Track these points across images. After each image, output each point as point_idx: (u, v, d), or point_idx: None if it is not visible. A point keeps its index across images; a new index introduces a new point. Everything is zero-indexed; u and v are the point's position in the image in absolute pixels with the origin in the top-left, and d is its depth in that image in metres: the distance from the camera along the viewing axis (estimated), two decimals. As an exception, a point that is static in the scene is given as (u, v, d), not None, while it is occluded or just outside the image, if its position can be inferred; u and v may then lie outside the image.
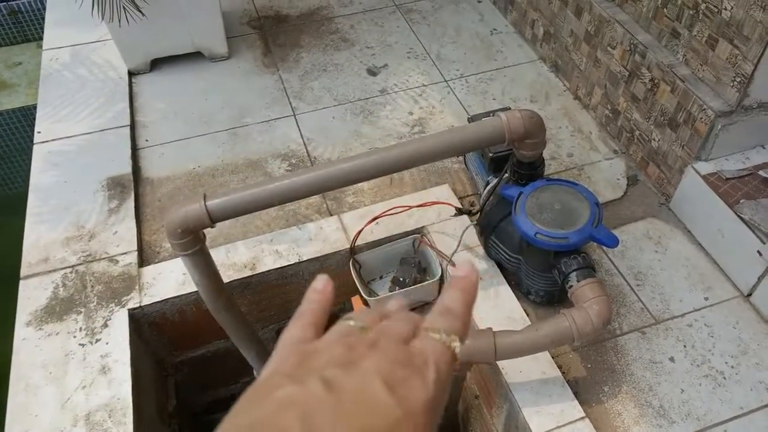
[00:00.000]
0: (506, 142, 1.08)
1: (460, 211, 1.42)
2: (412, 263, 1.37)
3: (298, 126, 1.72)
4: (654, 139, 1.48)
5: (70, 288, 1.30)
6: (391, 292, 1.35)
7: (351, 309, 1.41)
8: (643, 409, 1.13)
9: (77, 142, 1.63)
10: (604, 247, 1.37)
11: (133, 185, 1.52)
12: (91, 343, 1.21)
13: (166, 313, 1.31)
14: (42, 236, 1.40)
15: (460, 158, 1.57)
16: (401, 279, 1.34)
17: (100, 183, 1.52)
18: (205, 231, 1.01)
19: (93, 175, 1.54)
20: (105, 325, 1.23)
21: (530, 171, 1.20)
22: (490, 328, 1.05)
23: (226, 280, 1.23)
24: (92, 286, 1.30)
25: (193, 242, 0.98)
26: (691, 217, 1.41)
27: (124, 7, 1.56)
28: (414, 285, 1.32)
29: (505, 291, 1.28)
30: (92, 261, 1.35)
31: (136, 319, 1.28)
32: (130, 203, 1.47)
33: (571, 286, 1.08)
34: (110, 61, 1.87)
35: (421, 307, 1.38)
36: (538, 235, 1.10)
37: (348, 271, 1.34)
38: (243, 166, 1.60)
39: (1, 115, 2.61)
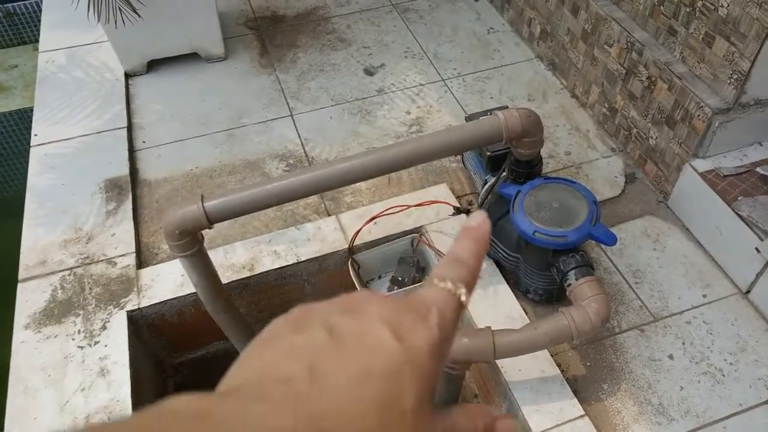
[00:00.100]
0: (504, 140, 1.08)
1: (458, 210, 1.42)
2: (411, 263, 1.37)
3: (296, 126, 1.71)
4: (651, 137, 1.48)
5: (68, 290, 1.30)
6: (390, 291, 1.35)
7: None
8: (643, 406, 1.13)
9: (74, 144, 1.63)
10: (603, 246, 1.37)
11: (131, 187, 1.52)
12: (89, 345, 1.21)
13: (165, 314, 1.30)
14: (40, 239, 1.40)
15: (458, 157, 1.57)
16: (400, 278, 1.34)
17: (98, 185, 1.52)
18: (203, 232, 1.01)
19: (90, 177, 1.54)
20: (104, 328, 1.23)
21: (528, 169, 1.20)
22: (489, 327, 1.05)
23: (224, 281, 1.23)
24: (90, 289, 1.30)
25: (191, 243, 0.98)
26: (689, 215, 1.41)
27: (120, 9, 1.56)
28: (413, 284, 1.32)
29: (504, 290, 1.28)
30: (90, 263, 1.35)
31: (135, 320, 1.28)
32: (128, 205, 1.47)
33: (570, 285, 1.08)
34: (107, 63, 1.86)
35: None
36: (536, 234, 1.11)
37: (346, 271, 1.34)
38: (240, 167, 1.60)
39: (-2, 118, 2.61)
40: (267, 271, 1.33)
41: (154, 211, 1.50)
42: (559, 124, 1.70)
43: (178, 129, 1.71)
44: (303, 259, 1.34)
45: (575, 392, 1.12)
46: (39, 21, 2.10)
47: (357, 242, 1.36)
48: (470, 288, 0.31)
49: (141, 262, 1.37)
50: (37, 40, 2.10)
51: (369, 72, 1.89)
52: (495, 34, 2.02)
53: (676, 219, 1.44)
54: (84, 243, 1.39)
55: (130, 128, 1.70)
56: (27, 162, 1.58)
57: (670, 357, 1.20)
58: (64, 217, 1.44)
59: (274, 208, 1.35)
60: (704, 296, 1.29)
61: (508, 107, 1.18)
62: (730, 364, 1.19)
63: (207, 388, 0.25)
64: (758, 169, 1.32)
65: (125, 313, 1.25)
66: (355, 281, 1.32)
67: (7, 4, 2.72)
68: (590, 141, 1.64)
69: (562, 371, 1.15)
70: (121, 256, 1.36)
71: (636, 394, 1.15)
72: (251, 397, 0.24)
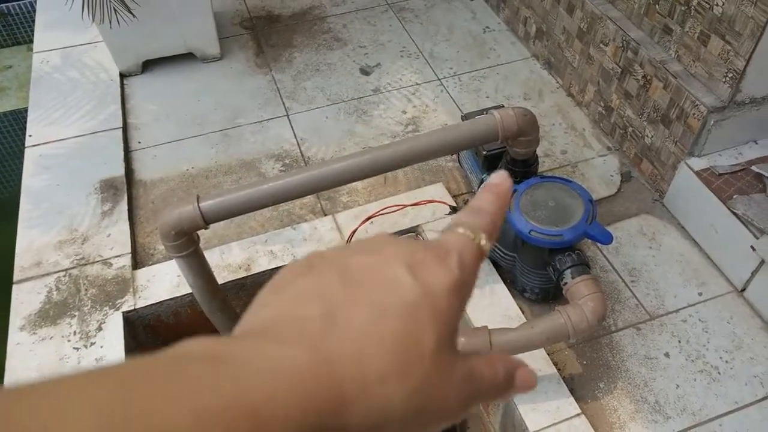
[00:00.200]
0: (500, 139, 1.08)
1: (454, 210, 1.42)
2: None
3: (292, 126, 1.71)
4: (647, 136, 1.48)
5: (63, 292, 1.29)
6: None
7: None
8: (639, 404, 1.14)
9: (69, 145, 1.62)
10: (599, 244, 1.37)
11: (126, 187, 1.52)
12: (85, 346, 1.20)
13: (161, 315, 1.30)
14: (35, 240, 1.39)
15: (454, 156, 1.57)
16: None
17: (93, 186, 1.51)
18: (199, 232, 1.00)
19: (85, 178, 1.53)
20: (99, 329, 1.23)
21: (524, 168, 1.20)
22: (486, 326, 1.05)
23: (220, 281, 1.22)
24: (86, 290, 1.29)
25: (187, 244, 0.98)
26: (684, 213, 1.42)
27: (114, 9, 1.55)
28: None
29: (501, 289, 1.28)
30: (86, 264, 1.34)
31: (131, 321, 1.27)
32: (123, 206, 1.47)
33: (566, 283, 1.08)
34: (101, 63, 1.86)
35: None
36: (532, 233, 1.11)
37: (343, 271, 1.34)
38: (236, 167, 1.60)
39: (-8, 119, 2.60)
40: (263, 272, 1.33)
41: (150, 212, 1.49)
42: (555, 123, 1.70)
43: (173, 129, 1.71)
44: (299, 259, 1.34)
45: (572, 391, 1.12)
46: (33, 21, 2.09)
47: (353, 242, 1.36)
48: (491, 237, 0.30)
49: (137, 263, 1.37)
50: (31, 41, 2.09)
51: (365, 71, 1.89)
52: (491, 33, 2.02)
53: (671, 217, 1.44)
54: (79, 244, 1.38)
55: (125, 129, 1.69)
56: (22, 163, 1.57)
57: (666, 355, 1.20)
58: (59, 218, 1.44)
59: (270, 208, 1.35)
60: (700, 294, 1.30)
61: (504, 106, 1.18)
62: (726, 362, 1.19)
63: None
64: (753, 168, 1.33)
65: (121, 314, 1.24)
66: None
67: (1, 5, 2.71)
68: (586, 140, 1.65)
69: (558, 370, 1.15)
70: (116, 256, 1.35)
71: (632, 393, 1.15)
72: (266, 338, 0.23)
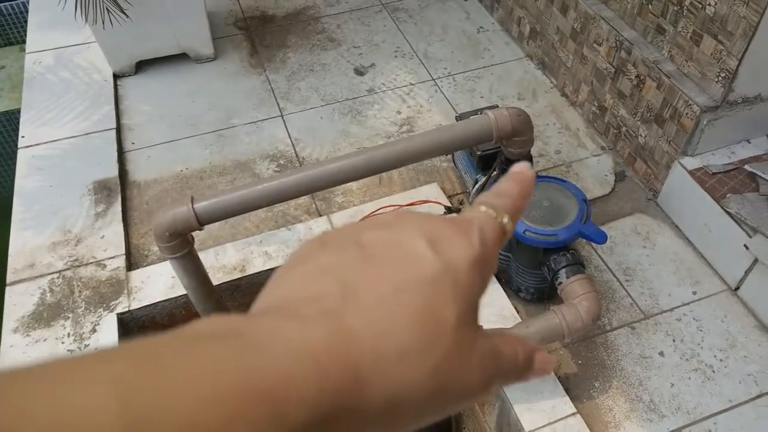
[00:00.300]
0: (494, 140, 1.08)
1: (449, 210, 1.42)
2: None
3: (286, 126, 1.71)
4: (641, 135, 1.49)
5: (57, 293, 1.29)
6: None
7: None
8: (634, 403, 1.14)
9: (62, 146, 1.62)
10: (593, 244, 1.37)
11: (120, 189, 1.51)
12: (79, 348, 1.20)
13: (156, 316, 1.30)
14: (28, 242, 1.38)
15: (449, 157, 1.57)
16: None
17: (87, 187, 1.51)
18: (194, 233, 1.00)
19: (79, 179, 1.53)
20: (93, 330, 1.22)
21: (518, 168, 1.20)
22: (481, 326, 1.05)
23: (215, 282, 1.22)
24: (80, 291, 1.29)
25: (181, 245, 0.98)
26: (678, 212, 1.42)
27: (107, 9, 1.54)
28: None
29: (496, 289, 1.28)
30: (79, 266, 1.33)
31: (125, 323, 1.27)
32: (117, 207, 1.46)
33: (561, 283, 1.08)
34: (95, 64, 1.85)
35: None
36: (527, 233, 1.11)
37: (338, 272, 1.34)
38: (231, 168, 1.60)
39: (-15, 120, 2.58)
40: (258, 273, 1.32)
41: (144, 213, 1.49)
42: (549, 123, 1.70)
43: (167, 130, 1.70)
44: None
45: (567, 390, 1.13)
46: (26, 21, 2.08)
47: (348, 242, 1.36)
48: (513, 218, 0.29)
49: (131, 264, 1.36)
50: (23, 41, 2.08)
51: (359, 72, 1.88)
52: (485, 34, 2.02)
53: (665, 217, 1.45)
54: (73, 245, 1.38)
55: (118, 129, 1.68)
56: (14, 164, 1.57)
57: (661, 354, 1.21)
58: (52, 220, 1.43)
59: (265, 209, 1.35)
60: (694, 293, 1.30)
61: (498, 106, 1.18)
62: (720, 360, 1.20)
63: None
64: (746, 167, 1.33)
65: (115, 316, 1.24)
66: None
67: (-7, 5, 2.69)
68: (580, 139, 1.65)
69: (553, 369, 1.15)
70: (110, 258, 1.35)
71: (627, 392, 1.16)
72: (282, 316, 0.23)
